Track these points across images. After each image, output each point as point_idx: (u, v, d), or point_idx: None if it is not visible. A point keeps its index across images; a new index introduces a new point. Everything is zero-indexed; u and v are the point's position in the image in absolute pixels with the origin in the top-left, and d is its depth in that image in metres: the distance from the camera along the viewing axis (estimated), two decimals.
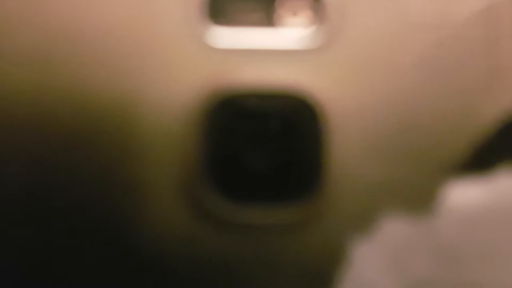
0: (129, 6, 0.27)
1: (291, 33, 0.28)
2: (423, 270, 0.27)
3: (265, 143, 0.28)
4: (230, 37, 0.28)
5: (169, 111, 0.27)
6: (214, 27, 0.28)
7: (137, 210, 0.28)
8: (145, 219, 0.28)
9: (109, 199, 0.28)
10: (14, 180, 0.28)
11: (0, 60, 0.27)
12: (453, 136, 0.28)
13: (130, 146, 0.28)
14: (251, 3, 0.28)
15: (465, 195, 0.27)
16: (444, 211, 0.27)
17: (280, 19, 0.28)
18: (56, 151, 0.28)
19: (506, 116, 0.28)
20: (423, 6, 0.28)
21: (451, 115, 0.28)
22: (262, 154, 0.28)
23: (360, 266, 0.27)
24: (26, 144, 0.27)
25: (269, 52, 0.28)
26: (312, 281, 0.28)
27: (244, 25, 0.28)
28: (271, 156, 0.28)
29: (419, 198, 0.27)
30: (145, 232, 0.28)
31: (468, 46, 0.28)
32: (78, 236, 0.28)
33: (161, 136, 0.28)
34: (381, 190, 0.28)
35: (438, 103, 0.28)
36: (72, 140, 0.28)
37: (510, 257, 0.27)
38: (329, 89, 0.28)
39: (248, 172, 0.28)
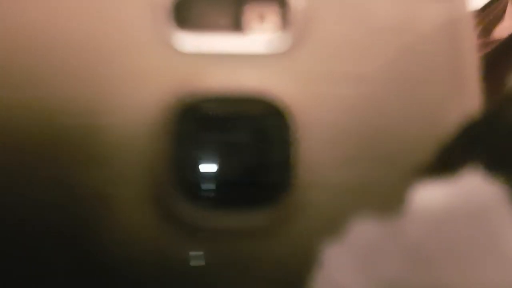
0: (95, 12, 0.27)
1: (257, 38, 0.28)
2: (392, 272, 0.27)
3: (234, 148, 0.28)
4: (196, 41, 0.28)
5: (136, 116, 0.27)
6: (181, 32, 0.28)
7: (104, 218, 0.27)
8: (112, 226, 0.28)
9: (75, 207, 0.27)
10: None
11: None
12: (419, 140, 0.28)
13: (96, 153, 0.27)
14: (218, 8, 0.28)
15: (431, 196, 0.27)
16: (412, 212, 0.27)
17: (247, 24, 0.28)
18: (19, 161, 0.27)
19: (468, 120, 0.29)
20: (386, 12, 0.28)
21: (416, 119, 0.28)
22: (230, 158, 0.28)
23: (330, 268, 0.27)
24: None
25: (236, 56, 0.28)
26: (283, 284, 0.28)
27: (211, 30, 0.28)
28: (239, 160, 0.28)
29: (387, 200, 0.28)
30: (113, 239, 0.28)
31: (432, 51, 0.29)
32: (44, 245, 0.28)
33: (128, 142, 0.28)
34: (350, 193, 0.28)
35: (403, 107, 0.28)
36: (37, 149, 0.27)
37: (477, 257, 0.27)
38: (295, 93, 0.28)
39: (216, 177, 0.28)
